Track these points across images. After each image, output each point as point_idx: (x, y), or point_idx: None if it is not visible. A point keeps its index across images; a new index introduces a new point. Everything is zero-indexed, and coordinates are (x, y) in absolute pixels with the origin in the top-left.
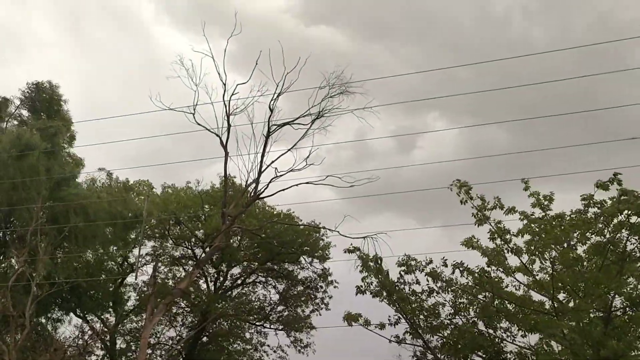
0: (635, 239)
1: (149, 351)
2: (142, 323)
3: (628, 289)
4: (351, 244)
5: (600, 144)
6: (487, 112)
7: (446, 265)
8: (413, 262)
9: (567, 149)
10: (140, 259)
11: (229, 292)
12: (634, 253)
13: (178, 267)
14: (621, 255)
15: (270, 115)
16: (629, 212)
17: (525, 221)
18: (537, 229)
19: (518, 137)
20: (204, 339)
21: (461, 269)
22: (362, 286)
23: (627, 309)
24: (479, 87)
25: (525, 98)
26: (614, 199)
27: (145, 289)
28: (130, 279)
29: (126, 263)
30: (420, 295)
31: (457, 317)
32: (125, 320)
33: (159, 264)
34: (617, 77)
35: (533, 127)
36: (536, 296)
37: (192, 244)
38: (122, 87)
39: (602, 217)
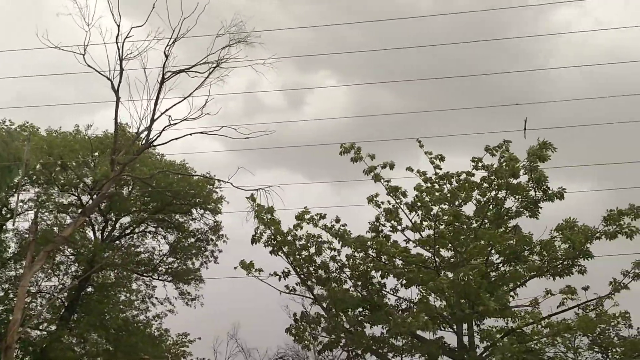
0: (514, 198)
1: (29, 300)
2: (23, 271)
3: (504, 245)
4: (251, 194)
5: (482, 109)
6: (375, 73)
7: (338, 221)
8: (308, 216)
9: (453, 113)
10: (21, 205)
11: (117, 242)
12: (510, 212)
13: (63, 215)
14: (500, 213)
15: (165, 61)
16: (508, 174)
17: (418, 180)
18: (426, 188)
19: (405, 100)
20: (89, 288)
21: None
22: (256, 234)
23: (503, 264)
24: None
25: (412, 62)
26: (500, 161)
27: (26, 236)
28: (10, 225)
29: (6, 209)
30: (310, 247)
31: (343, 271)
32: (4, 268)
33: (43, 211)
34: (497, 47)
35: (419, 90)
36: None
37: (79, 190)
38: (6, 27)
39: (487, 178)
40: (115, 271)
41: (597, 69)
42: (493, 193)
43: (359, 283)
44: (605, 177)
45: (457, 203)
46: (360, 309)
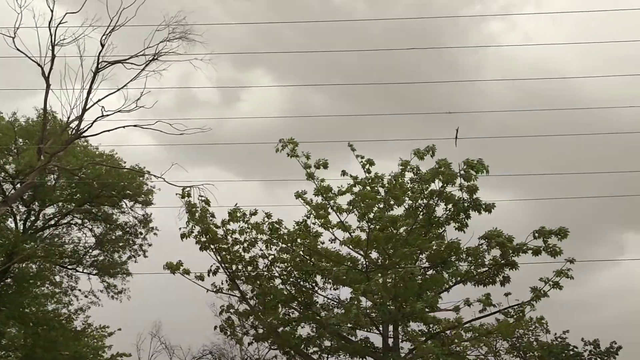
0: (444, 207)
1: None
2: None
3: (431, 251)
4: (182, 189)
5: (412, 116)
6: (310, 75)
7: (269, 217)
8: (239, 214)
9: (384, 118)
10: None
11: (40, 233)
12: (440, 219)
13: None
14: (429, 219)
15: (100, 51)
16: (443, 181)
17: (350, 182)
18: (359, 190)
19: (338, 103)
20: (8, 280)
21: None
22: (185, 230)
23: (429, 269)
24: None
25: (346, 65)
26: (432, 169)
27: None
28: None
29: None
30: (242, 244)
31: (273, 268)
32: None
33: None
34: (430, 54)
35: (353, 94)
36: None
37: (1, 179)
38: None
39: (417, 184)
40: (37, 263)
41: (523, 82)
42: (424, 200)
43: (289, 281)
44: (527, 187)
45: (389, 205)
46: (288, 308)
